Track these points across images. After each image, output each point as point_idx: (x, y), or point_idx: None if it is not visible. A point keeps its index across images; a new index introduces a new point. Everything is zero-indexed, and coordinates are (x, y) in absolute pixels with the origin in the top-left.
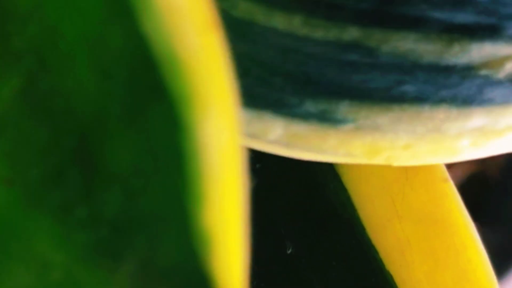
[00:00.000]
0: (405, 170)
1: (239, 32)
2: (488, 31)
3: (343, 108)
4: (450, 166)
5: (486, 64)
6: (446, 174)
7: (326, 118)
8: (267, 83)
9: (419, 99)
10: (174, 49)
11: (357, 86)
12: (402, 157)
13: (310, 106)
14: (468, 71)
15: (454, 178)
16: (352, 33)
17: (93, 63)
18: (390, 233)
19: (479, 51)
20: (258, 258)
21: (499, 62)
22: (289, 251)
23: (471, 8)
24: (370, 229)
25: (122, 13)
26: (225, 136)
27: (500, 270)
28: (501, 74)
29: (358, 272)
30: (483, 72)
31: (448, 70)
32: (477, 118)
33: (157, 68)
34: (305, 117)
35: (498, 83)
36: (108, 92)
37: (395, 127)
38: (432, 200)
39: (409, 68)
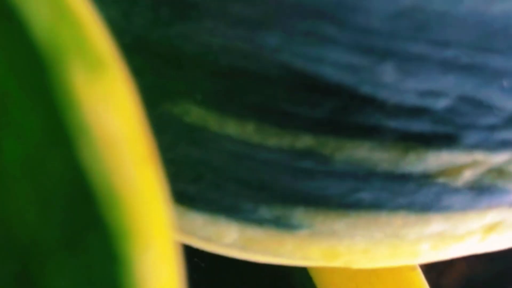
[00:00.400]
0: None
1: (192, 138)
2: (445, 140)
3: (299, 214)
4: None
5: (443, 172)
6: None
7: (281, 224)
8: (221, 188)
9: (375, 206)
10: (110, 181)
11: (312, 193)
12: (361, 261)
13: (265, 212)
14: (425, 179)
15: None
16: (305, 141)
17: (33, 190)
18: None
19: (436, 160)
20: None
21: (457, 170)
22: None
23: (427, 117)
24: None
25: (61, 140)
26: (164, 271)
27: None
28: (459, 182)
29: None
30: (441, 180)
31: (404, 178)
32: (436, 224)
33: (95, 199)
34: (260, 222)
35: (457, 190)
36: (47, 220)
37: (352, 232)
38: None
39: (365, 175)
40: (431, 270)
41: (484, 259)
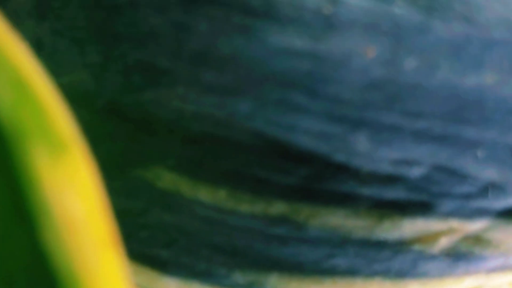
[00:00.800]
0: None
1: (164, 203)
2: (420, 208)
3: (272, 280)
4: None
5: (419, 239)
6: None
7: None
8: (194, 253)
9: (351, 272)
10: (71, 265)
11: (286, 259)
12: None
13: (238, 277)
14: (400, 246)
15: None
16: (279, 207)
17: None
18: None
19: (411, 227)
20: None
21: (433, 237)
22: None
23: (402, 186)
24: None
25: (24, 221)
26: None
27: None
28: (435, 249)
29: None
30: (416, 247)
31: (380, 245)
32: None
33: (56, 283)
34: (234, 287)
35: (433, 257)
36: None
37: None
38: None
39: (339, 242)
40: None
41: None
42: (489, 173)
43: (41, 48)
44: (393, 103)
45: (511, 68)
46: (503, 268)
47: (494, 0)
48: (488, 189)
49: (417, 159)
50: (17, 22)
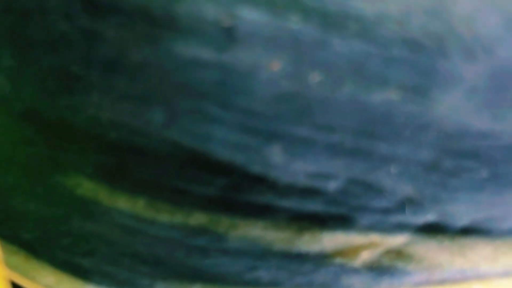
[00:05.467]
0: None
1: (85, 211)
2: (339, 221)
3: None
4: None
5: (340, 253)
6: None
7: None
8: (116, 262)
9: (274, 284)
10: None
11: (208, 270)
12: None
13: (161, 287)
14: (321, 259)
15: None
16: (198, 218)
17: None
18: None
19: (332, 240)
20: None
21: (354, 251)
22: None
23: (320, 199)
24: None
25: None
26: None
27: None
28: (357, 262)
29: None
30: (338, 260)
31: (301, 258)
32: None
33: None
34: None
35: (355, 271)
36: None
37: None
38: None
39: (261, 254)
40: None
41: None
42: (405, 189)
43: None
44: (304, 117)
45: (414, 85)
46: (428, 283)
47: (389, 20)
48: (405, 204)
49: (332, 173)
50: None
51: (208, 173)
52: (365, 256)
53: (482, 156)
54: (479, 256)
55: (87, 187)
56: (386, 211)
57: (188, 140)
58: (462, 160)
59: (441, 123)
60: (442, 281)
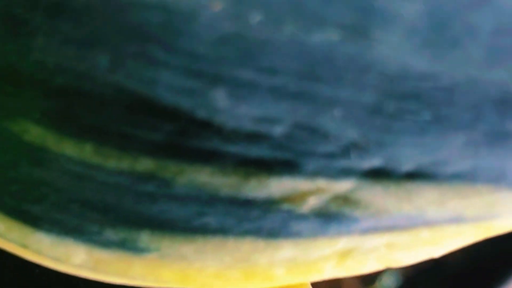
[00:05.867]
0: None
1: (33, 157)
2: (286, 166)
3: (145, 238)
4: None
5: (287, 199)
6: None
7: (128, 247)
8: (65, 209)
9: (222, 231)
10: None
11: (156, 217)
12: (216, 284)
13: (110, 234)
14: (269, 205)
15: None
16: (146, 164)
17: None
18: None
19: (279, 186)
20: None
21: (301, 197)
22: None
23: (266, 144)
24: None
25: None
26: None
27: (500, 278)
28: (305, 208)
29: None
30: (285, 206)
31: (249, 204)
32: (286, 250)
33: None
34: (106, 244)
35: (302, 217)
36: None
37: (201, 256)
38: None
39: (208, 200)
40: None
41: None
42: (349, 133)
43: None
44: (246, 59)
45: (353, 24)
46: (376, 230)
47: None
48: (350, 149)
49: (277, 117)
50: None
51: (154, 118)
52: (312, 202)
53: (424, 98)
54: (425, 201)
55: (34, 133)
56: (332, 156)
57: (133, 85)
58: (404, 102)
59: (382, 65)
60: (390, 228)
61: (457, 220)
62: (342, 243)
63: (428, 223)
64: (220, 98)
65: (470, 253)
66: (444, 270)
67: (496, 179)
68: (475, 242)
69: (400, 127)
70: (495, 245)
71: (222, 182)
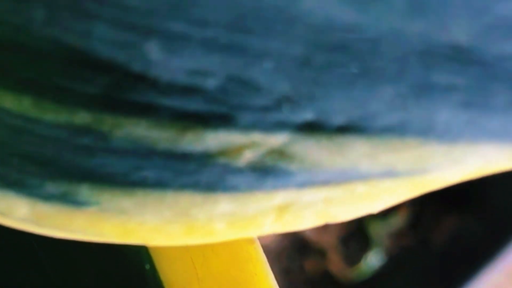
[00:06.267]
0: None
1: None
2: (221, 120)
3: (85, 191)
4: None
5: (223, 152)
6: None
7: (68, 200)
8: (5, 163)
9: (160, 185)
10: None
11: (95, 170)
12: (157, 239)
13: (51, 187)
14: (206, 159)
15: None
16: (83, 117)
17: None
18: None
19: (215, 139)
20: None
21: (237, 150)
22: None
23: (200, 97)
24: None
25: None
26: None
27: (485, 257)
28: (241, 162)
29: None
30: (222, 160)
31: (186, 157)
32: (225, 204)
33: None
34: (47, 198)
35: (239, 171)
36: None
37: (141, 210)
38: (234, 263)
39: (146, 154)
40: (418, 225)
41: (477, 210)
42: (281, 86)
43: None
44: (177, 11)
45: None
46: (312, 184)
47: None
48: (282, 102)
49: (210, 70)
50: None
51: (90, 72)
52: (248, 156)
53: (351, 50)
54: (357, 155)
55: None
56: (265, 109)
57: (68, 38)
58: (332, 54)
59: (309, 16)
60: (326, 182)
61: (390, 174)
62: (280, 197)
63: (362, 178)
64: (153, 51)
65: (456, 232)
66: (429, 249)
67: (424, 132)
68: (461, 221)
69: (329, 80)
70: (481, 224)
71: (159, 136)
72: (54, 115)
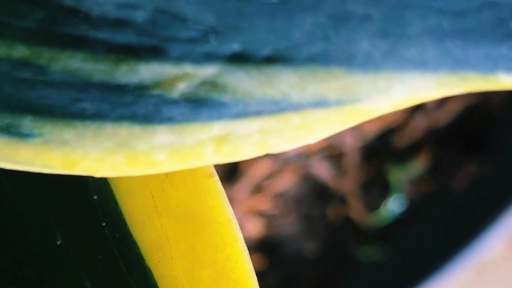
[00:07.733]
0: None
1: None
2: (153, 52)
3: (28, 123)
4: (443, 100)
5: (157, 84)
6: (211, 169)
7: (12, 132)
8: None
9: (99, 116)
10: None
11: (36, 102)
12: (100, 170)
13: None
14: (141, 90)
15: (448, 111)
16: (21, 51)
17: None
18: (150, 228)
19: (148, 71)
20: (29, 248)
21: (170, 82)
22: (59, 242)
23: (131, 30)
24: (131, 224)
25: None
26: None
27: (505, 203)
28: (175, 94)
29: (121, 266)
30: (156, 91)
31: (121, 89)
32: (163, 135)
33: None
34: None
35: (174, 102)
36: None
37: (83, 142)
38: (193, 196)
39: (83, 86)
40: (438, 172)
41: (497, 157)
42: (206, 18)
43: None
44: None
45: None
46: (246, 115)
47: None
48: (209, 33)
49: (138, 2)
50: None
51: (25, 5)
52: (181, 87)
53: None
54: (286, 85)
55: None
56: (193, 41)
57: None
58: None
59: None
60: (259, 112)
61: (321, 104)
62: (216, 128)
63: (295, 108)
64: None
65: (477, 178)
66: (449, 195)
67: (348, 61)
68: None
69: (252, 11)
70: (502, 170)
71: (94, 68)
72: None
